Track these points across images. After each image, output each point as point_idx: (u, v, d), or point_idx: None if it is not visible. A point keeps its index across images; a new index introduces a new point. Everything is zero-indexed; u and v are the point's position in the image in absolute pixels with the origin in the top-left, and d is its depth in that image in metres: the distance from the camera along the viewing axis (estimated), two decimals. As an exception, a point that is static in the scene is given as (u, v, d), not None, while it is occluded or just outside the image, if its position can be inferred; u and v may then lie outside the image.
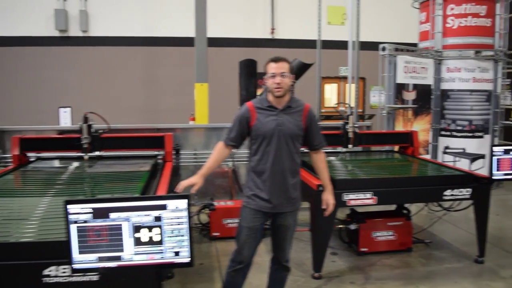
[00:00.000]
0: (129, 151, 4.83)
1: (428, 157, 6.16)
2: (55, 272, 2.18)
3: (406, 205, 4.58)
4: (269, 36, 10.72)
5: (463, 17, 6.30)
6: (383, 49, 5.97)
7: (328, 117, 8.83)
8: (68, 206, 1.80)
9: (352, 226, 4.30)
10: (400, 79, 6.05)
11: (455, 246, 4.56)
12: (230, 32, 10.35)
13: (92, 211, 1.81)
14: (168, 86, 10.26)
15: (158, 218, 1.86)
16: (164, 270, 2.53)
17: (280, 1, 10.88)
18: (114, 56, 9.94)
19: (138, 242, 1.86)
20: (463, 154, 6.49)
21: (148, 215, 1.85)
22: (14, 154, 4.42)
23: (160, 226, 1.86)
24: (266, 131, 2.72)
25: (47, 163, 4.54)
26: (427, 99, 6.47)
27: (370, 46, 10.67)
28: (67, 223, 1.81)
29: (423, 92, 6.39)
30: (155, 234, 1.86)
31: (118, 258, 1.85)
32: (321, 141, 2.97)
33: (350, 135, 4.84)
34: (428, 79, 6.45)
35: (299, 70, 6.81)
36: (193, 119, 7.82)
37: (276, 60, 2.70)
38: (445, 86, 6.56)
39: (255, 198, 2.77)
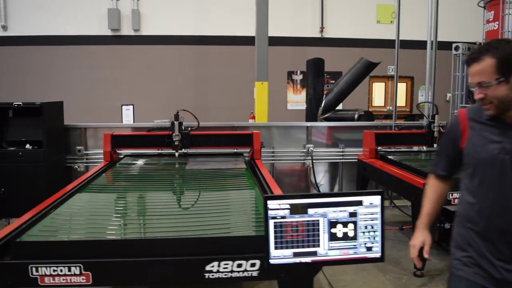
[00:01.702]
0: (216, 149, 4.87)
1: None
2: (217, 268, 2.22)
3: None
4: (318, 35, 10.70)
5: (536, 16, 6.19)
6: (456, 48, 5.91)
7: (386, 117, 8.77)
8: (268, 202, 1.83)
9: (447, 225, 4.28)
10: (472, 79, 5.98)
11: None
12: (279, 30, 10.37)
13: (290, 207, 1.84)
14: (216, 85, 10.34)
15: (353, 214, 1.88)
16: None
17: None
18: (165, 55, 10.05)
19: (333, 237, 1.88)
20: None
21: (344, 211, 1.87)
22: (106, 150, 4.53)
23: (354, 222, 1.88)
24: (482, 159, 1.79)
25: (139, 160, 4.63)
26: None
27: (418, 45, 10.62)
28: (266, 218, 1.83)
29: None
30: (350, 230, 1.88)
31: (313, 254, 1.87)
32: None
33: (436, 134, 4.82)
34: (498, 79, 6.36)
35: (366, 69, 6.82)
36: (253, 117, 7.86)
37: (468, 62, 1.75)
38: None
39: (470, 264, 1.83)
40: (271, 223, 1.84)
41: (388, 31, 10.84)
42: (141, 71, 9.90)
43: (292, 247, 1.86)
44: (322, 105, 6.60)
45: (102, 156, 5.31)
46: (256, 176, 3.71)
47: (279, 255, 1.86)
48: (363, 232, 1.90)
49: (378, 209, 1.90)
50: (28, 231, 2.34)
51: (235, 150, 5.12)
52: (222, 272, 2.23)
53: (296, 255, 1.87)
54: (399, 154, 5.00)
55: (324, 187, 5.86)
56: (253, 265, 2.25)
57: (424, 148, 5.33)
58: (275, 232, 1.85)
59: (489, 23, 6.76)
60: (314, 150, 5.57)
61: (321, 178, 5.85)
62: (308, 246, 1.87)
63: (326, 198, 1.87)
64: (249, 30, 10.14)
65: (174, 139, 4.48)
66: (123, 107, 7.56)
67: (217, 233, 2.32)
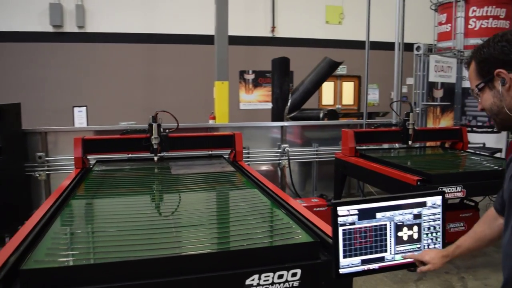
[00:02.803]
0: (191, 151, 4.68)
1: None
2: (257, 281, 2.08)
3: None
4: (269, 35, 10.71)
5: (485, 19, 6.64)
6: (418, 48, 6.16)
7: (345, 115, 8.97)
8: (338, 209, 1.73)
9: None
10: (432, 78, 6.29)
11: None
12: (230, 29, 10.23)
13: (358, 212, 1.76)
14: (168, 84, 9.99)
15: (417, 216, 1.84)
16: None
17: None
18: (112, 53, 9.52)
19: (399, 241, 1.82)
20: (483, 148, 6.84)
21: (410, 213, 1.82)
22: (77, 156, 4.14)
23: (419, 224, 1.84)
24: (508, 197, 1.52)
25: (114, 165, 4.30)
26: (452, 97, 6.77)
27: (364, 46, 10.99)
28: (336, 226, 1.73)
29: (448, 90, 6.68)
30: (414, 232, 1.84)
31: (381, 260, 1.80)
32: None
33: (410, 131, 4.97)
34: (452, 78, 6.74)
35: (331, 68, 6.91)
36: (213, 118, 7.67)
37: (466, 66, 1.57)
38: (466, 84, 6.88)
39: None
40: (340, 230, 1.74)
41: (337, 31, 11.17)
42: (88, 71, 9.32)
43: (361, 254, 1.78)
44: (289, 104, 6.58)
45: (65, 163, 4.92)
46: (250, 178, 3.58)
47: (348, 264, 1.77)
48: (427, 234, 1.86)
49: (440, 210, 1.88)
50: (32, 255, 2.02)
51: (210, 153, 4.97)
52: (262, 285, 2.08)
53: (364, 262, 1.78)
54: (373, 152, 5.12)
55: (298, 187, 5.84)
56: (294, 274, 2.11)
57: (396, 145, 5.51)
58: (344, 240, 1.75)
59: (441, 25, 7.14)
60: (290, 149, 5.54)
61: (296, 177, 5.83)
62: (376, 252, 1.79)
63: (393, 201, 1.81)
64: (201, 28, 9.95)
65: (153, 142, 4.21)
66: (75, 108, 7.04)
67: (254, 244, 2.16)
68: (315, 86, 6.68)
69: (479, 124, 6.87)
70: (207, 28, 9.87)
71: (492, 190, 4.16)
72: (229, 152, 4.64)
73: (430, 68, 6.22)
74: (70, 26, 9.11)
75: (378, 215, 1.78)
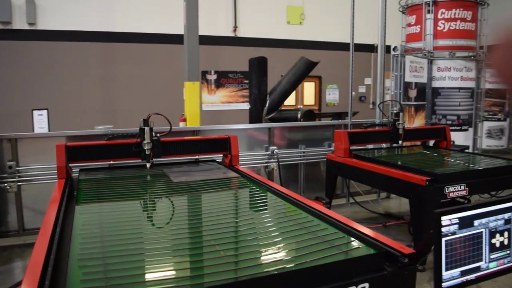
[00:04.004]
0: (180, 157, 4.38)
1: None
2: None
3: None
4: (231, 34, 10.49)
5: (453, 21, 6.87)
6: (395, 49, 6.24)
7: (318, 115, 8.92)
8: (442, 218, 1.59)
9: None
10: (407, 78, 6.40)
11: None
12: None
13: (458, 221, 1.63)
14: (126, 85, 9.48)
15: (507, 221, 1.75)
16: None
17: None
18: (66, 52, 8.86)
19: (492, 248, 1.72)
20: (453, 146, 7.08)
21: (501, 218, 1.73)
22: (60, 165, 3.73)
23: (509, 229, 1.75)
24: None
25: (103, 174, 3.92)
26: (423, 96, 6.94)
27: (326, 46, 11.11)
28: (439, 237, 1.60)
29: (421, 90, 6.84)
30: (505, 238, 1.75)
31: (477, 269, 1.69)
32: None
33: (400, 131, 4.99)
34: (424, 78, 6.91)
35: (308, 68, 6.83)
36: (184, 120, 7.34)
37: None
38: (436, 84, 7.09)
39: None
40: (443, 241, 1.61)
41: (298, 32, 11.18)
42: (43, 71, 8.59)
43: (460, 265, 1.66)
44: (267, 105, 6.42)
45: (38, 173, 4.47)
46: (261, 184, 3.38)
47: (449, 276, 1.64)
48: (516, 239, 1.79)
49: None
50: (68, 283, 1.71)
51: (197, 157, 4.70)
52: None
53: (463, 273, 1.67)
54: (363, 152, 5.08)
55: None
56: (362, 289, 1.97)
57: (383, 145, 5.53)
58: (446, 251, 1.62)
59: (410, 26, 7.30)
60: (279, 151, 5.38)
61: (282, 180, 5.68)
62: (473, 262, 1.68)
63: (487, 208, 1.71)
64: (162, 27, 9.54)
65: (145, 148, 3.87)
66: (35, 112, 6.44)
67: (317, 260, 1.96)
68: (293, 86, 6.58)
69: (449, 122, 7.10)
70: (169, 27, 9.50)
71: (492, 187, 4.27)
72: (220, 156, 4.42)
73: (407, 69, 6.32)
74: (20, 23, 8.35)
75: (476, 222, 1.67)
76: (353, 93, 12.42)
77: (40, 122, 6.43)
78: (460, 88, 7.07)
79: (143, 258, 1.97)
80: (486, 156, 4.88)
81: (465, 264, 1.67)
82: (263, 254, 2.02)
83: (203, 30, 10.24)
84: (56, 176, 4.72)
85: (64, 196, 3.07)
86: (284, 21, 11.12)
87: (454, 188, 3.87)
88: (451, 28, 6.90)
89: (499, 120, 9.58)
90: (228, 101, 11.55)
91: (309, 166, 5.66)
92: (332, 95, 11.89)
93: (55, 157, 4.89)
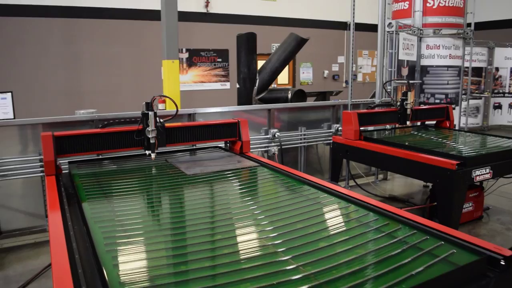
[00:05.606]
0: (178, 146, 3.93)
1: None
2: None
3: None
4: (203, 10, 9.88)
5: (443, -3, 6.72)
6: (389, 25, 6.00)
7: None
8: None
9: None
10: (401, 56, 6.20)
11: None
12: (157, 3, 9.24)
13: None
14: (92, 65, 8.72)
15: None
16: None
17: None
18: (23, 28, 7.96)
19: None
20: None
21: None
22: (48, 160, 3.18)
23: None
24: None
25: (101, 167, 3.42)
26: (413, 75, 6.80)
27: (301, 24, 10.76)
28: None
29: (411, 68, 6.69)
30: None
31: None
32: None
33: (409, 111, 4.78)
34: (414, 56, 6.75)
35: (298, 44, 6.46)
36: (163, 102, 6.80)
37: None
38: (424, 62, 6.96)
39: None
40: None
41: (273, 8, 10.73)
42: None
43: None
44: (257, 84, 6.02)
45: (13, 167, 3.91)
46: (287, 175, 3.03)
47: None
48: None
49: None
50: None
51: (194, 145, 4.27)
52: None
53: None
54: (369, 134, 4.85)
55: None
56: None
57: (388, 126, 5.32)
58: None
59: (398, 3, 7.08)
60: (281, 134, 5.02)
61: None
62: None
63: None
64: (132, 1, 8.82)
65: (150, 136, 3.39)
66: (-4, 96, 5.68)
67: (418, 273, 1.65)
68: (283, 64, 6.21)
69: (437, 101, 7.01)
70: (138, 1, 8.79)
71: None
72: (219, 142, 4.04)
73: (400, 46, 6.12)
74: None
75: None
76: (326, 71, 12.26)
77: (4, 106, 5.69)
78: (448, 67, 6.97)
79: (193, 267, 1.57)
80: (493, 136, 4.76)
81: None
82: (353, 268, 1.68)
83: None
84: (35, 169, 4.16)
85: (63, 196, 2.59)
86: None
87: (480, 172, 3.70)
88: (440, 4, 6.75)
89: (475, 98, 9.70)
90: (201, 80, 11.02)
91: (308, 148, 5.36)
92: (306, 74, 11.63)
93: (29, 148, 4.30)
